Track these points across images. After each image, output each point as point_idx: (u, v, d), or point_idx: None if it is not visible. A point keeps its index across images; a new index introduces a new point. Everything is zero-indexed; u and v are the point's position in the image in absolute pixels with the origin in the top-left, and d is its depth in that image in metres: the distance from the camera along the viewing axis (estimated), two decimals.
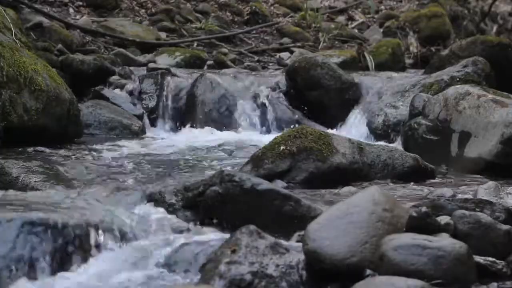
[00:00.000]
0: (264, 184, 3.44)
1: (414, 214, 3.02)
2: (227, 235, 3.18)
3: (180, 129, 6.72)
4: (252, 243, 2.97)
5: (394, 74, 7.60)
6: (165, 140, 6.21)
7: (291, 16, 10.27)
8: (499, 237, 3.10)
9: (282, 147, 4.43)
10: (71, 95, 5.82)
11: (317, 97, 6.80)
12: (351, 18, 10.77)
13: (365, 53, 8.61)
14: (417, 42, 9.71)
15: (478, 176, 4.80)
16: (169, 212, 3.57)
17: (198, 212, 3.54)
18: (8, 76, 5.27)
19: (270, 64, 8.73)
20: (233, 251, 2.93)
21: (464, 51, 6.97)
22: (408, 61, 9.21)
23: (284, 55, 8.92)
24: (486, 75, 6.35)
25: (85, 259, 3.13)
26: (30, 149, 5.17)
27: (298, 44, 9.34)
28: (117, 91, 6.85)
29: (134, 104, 6.74)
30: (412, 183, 4.50)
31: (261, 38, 9.56)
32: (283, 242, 3.11)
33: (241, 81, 7.06)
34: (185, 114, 6.79)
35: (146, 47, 8.41)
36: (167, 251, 3.17)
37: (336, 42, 9.69)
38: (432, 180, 4.66)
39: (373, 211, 3.00)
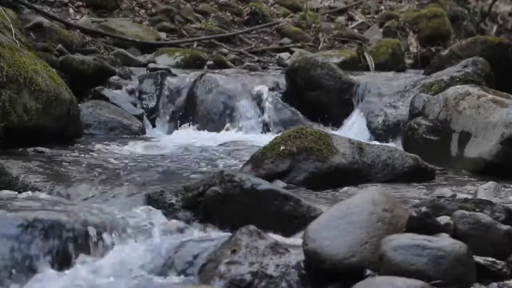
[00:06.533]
0: (264, 184, 3.44)
1: (414, 214, 3.02)
2: (227, 235, 3.18)
3: (180, 129, 6.72)
4: (252, 243, 2.97)
5: (394, 74, 7.60)
6: (165, 140, 6.21)
7: (291, 16, 10.27)
8: (499, 237, 3.11)
9: (282, 147, 4.43)
10: (71, 95, 5.82)
11: (317, 97, 6.80)
12: (351, 18, 10.77)
13: (365, 53, 8.61)
14: (417, 42, 9.71)
15: (478, 176, 4.80)
16: (169, 212, 3.57)
17: (198, 212, 3.54)
18: (8, 76, 5.26)
19: (270, 64, 8.73)
20: (233, 251, 2.93)
21: (464, 51, 6.97)
22: (408, 61, 9.21)
23: (284, 55, 8.92)
24: (486, 75, 6.35)
25: (84, 259, 3.14)
26: (30, 149, 5.16)
27: (298, 44, 9.35)
28: (117, 91, 6.85)
29: (134, 104, 6.74)
30: (412, 183, 4.50)
31: (261, 38, 9.56)
32: (283, 242, 3.11)
33: (241, 81, 7.06)
34: (185, 114, 6.79)
35: (146, 47, 8.41)
36: (167, 251, 3.17)
37: (336, 42, 9.69)
38: (432, 180, 4.66)
39: (373, 211, 3.00)
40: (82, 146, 5.57)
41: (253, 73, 7.74)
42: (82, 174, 4.56)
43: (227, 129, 6.63)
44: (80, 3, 9.20)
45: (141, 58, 8.03)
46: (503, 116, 4.93)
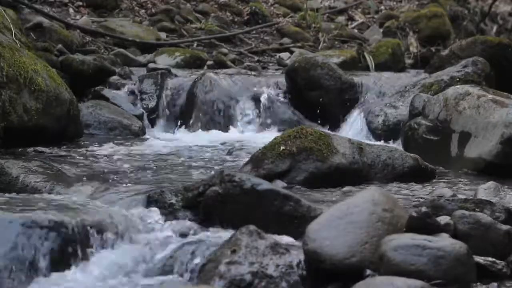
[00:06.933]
0: (264, 184, 3.44)
1: (414, 214, 3.02)
2: (227, 235, 3.18)
3: (180, 129, 6.72)
4: (252, 243, 2.97)
5: (394, 74, 7.60)
6: (165, 140, 6.21)
7: (291, 16, 10.26)
8: (499, 237, 3.11)
9: (282, 147, 4.43)
10: (71, 95, 5.82)
11: (317, 97, 6.80)
12: (351, 18, 10.77)
13: (365, 53, 8.61)
14: (417, 42, 9.70)
15: (478, 176, 4.80)
16: (169, 212, 3.57)
17: (198, 212, 3.54)
18: (8, 76, 5.26)
19: (270, 64, 8.73)
20: (233, 251, 2.94)
21: (464, 51, 6.97)
22: (408, 61, 9.20)
23: (284, 55, 8.92)
24: (486, 75, 6.35)
25: (84, 259, 3.14)
26: (30, 149, 5.17)
27: (298, 44, 9.34)
28: (117, 91, 6.85)
29: (134, 104, 6.74)
30: (412, 183, 4.50)
31: (261, 38, 9.56)
32: (283, 242, 3.11)
33: (241, 81, 7.06)
34: (185, 114, 6.79)
35: (146, 47, 8.41)
36: (167, 251, 3.17)
37: (336, 42, 9.68)
38: (432, 180, 4.66)
39: (373, 211, 3.00)
40: (82, 146, 5.58)
41: (253, 73, 7.74)
42: (82, 174, 4.56)
43: (227, 129, 6.63)
44: (80, 3, 9.20)
45: (141, 58, 8.02)
46: (503, 116, 4.93)
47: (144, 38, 8.59)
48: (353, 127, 6.53)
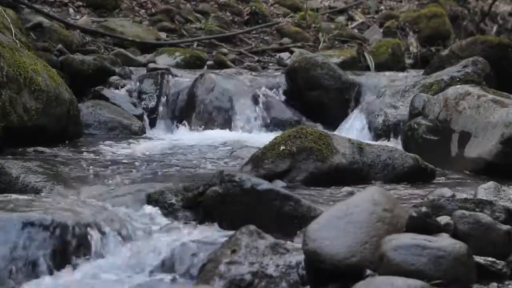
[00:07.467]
0: (264, 184, 3.44)
1: (414, 214, 3.02)
2: (227, 235, 3.18)
3: (179, 129, 6.72)
4: (252, 243, 2.97)
5: (394, 74, 7.60)
6: (165, 140, 6.21)
7: (291, 16, 10.27)
8: (499, 237, 3.10)
9: (282, 147, 4.43)
10: (71, 95, 5.82)
11: (317, 97, 6.80)
12: (351, 18, 10.77)
13: (365, 53, 8.61)
14: (417, 42, 9.71)
15: (478, 176, 4.80)
16: (169, 212, 3.57)
17: (198, 212, 3.54)
18: (8, 76, 5.26)
19: (270, 64, 8.73)
20: (233, 251, 2.93)
21: (464, 51, 6.97)
22: (408, 61, 9.21)
23: (284, 55, 8.92)
24: (486, 75, 6.36)
25: (84, 259, 3.14)
26: (30, 149, 5.17)
27: (298, 44, 9.34)
28: (117, 91, 6.85)
29: (134, 104, 6.74)
30: (412, 183, 4.50)
31: (261, 38, 9.56)
32: (283, 242, 3.11)
33: (241, 81, 7.06)
34: (185, 114, 6.79)
35: (146, 47, 8.41)
36: (167, 251, 3.16)
37: (336, 42, 9.69)
38: (432, 180, 4.66)
39: (373, 211, 3.00)
40: (82, 146, 5.57)
41: (253, 73, 7.74)
42: (82, 174, 4.56)
43: (227, 129, 6.63)
44: (80, 3, 9.20)
45: (141, 58, 8.03)
46: (503, 116, 4.93)
47: (144, 38, 8.59)
48: (353, 127, 6.53)
